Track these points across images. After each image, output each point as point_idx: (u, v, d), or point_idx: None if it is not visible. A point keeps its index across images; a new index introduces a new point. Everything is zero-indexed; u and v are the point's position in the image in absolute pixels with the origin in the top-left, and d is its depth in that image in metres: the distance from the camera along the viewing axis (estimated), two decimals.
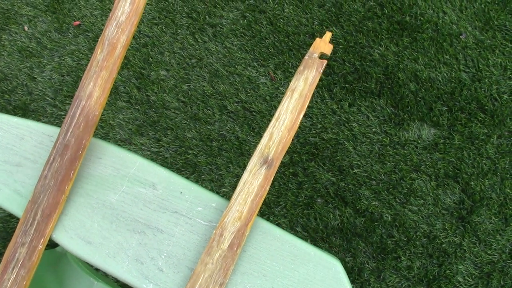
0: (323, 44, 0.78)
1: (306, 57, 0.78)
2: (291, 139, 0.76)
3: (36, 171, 0.82)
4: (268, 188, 0.75)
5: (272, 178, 0.75)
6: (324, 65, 0.77)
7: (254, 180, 0.75)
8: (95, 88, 0.77)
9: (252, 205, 0.74)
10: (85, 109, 0.77)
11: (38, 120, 1.73)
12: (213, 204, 0.79)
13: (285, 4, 1.78)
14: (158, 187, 0.80)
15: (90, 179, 0.82)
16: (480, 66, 1.68)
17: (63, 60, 1.78)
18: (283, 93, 1.69)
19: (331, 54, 1.71)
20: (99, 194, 0.80)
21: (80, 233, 0.79)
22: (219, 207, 0.79)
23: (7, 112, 1.73)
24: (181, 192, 0.80)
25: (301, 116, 0.76)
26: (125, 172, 0.81)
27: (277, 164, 0.75)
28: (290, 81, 1.67)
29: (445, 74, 1.68)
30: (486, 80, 1.67)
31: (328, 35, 0.79)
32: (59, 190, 0.78)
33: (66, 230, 0.79)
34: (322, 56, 0.79)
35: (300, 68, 0.78)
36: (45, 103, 1.74)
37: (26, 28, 1.82)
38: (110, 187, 0.81)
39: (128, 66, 1.76)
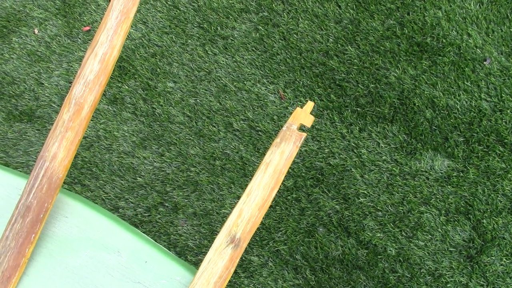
0: (303, 115, 0.72)
1: (284, 128, 0.72)
2: (261, 218, 0.71)
3: (0, 225, 0.80)
4: (233, 270, 0.70)
5: (238, 259, 0.70)
6: (303, 139, 0.71)
7: (219, 260, 0.70)
8: (59, 150, 0.73)
9: None
10: (49, 171, 0.74)
11: (44, 126, 1.71)
12: (177, 277, 0.75)
13: (300, 18, 1.70)
14: (122, 253, 0.76)
15: (54, 239, 0.78)
16: (503, 95, 1.58)
17: (71, 66, 1.76)
18: (291, 114, 1.63)
19: (343, 75, 1.63)
20: (62, 256, 0.77)
21: None
22: (184, 281, 0.74)
23: (14, 117, 1.73)
24: (146, 262, 0.76)
25: (274, 193, 0.71)
26: (90, 233, 0.78)
27: (244, 245, 0.71)
28: (300, 101, 1.61)
29: (464, 102, 1.59)
30: (508, 111, 1.57)
31: (309, 105, 0.72)
32: (19, 252, 0.75)
33: None
34: (301, 128, 0.73)
35: (277, 140, 0.72)
36: (51, 110, 1.72)
37: (36, 31, 1.79)
38: (74, 249, 0.77)
39: (136, 76, 1.72)
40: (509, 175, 1.53)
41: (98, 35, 0.73)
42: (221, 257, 0.70)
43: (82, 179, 1.66)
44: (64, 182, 1.62)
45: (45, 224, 0.78)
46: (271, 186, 0.71)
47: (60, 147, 0.73)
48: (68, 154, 0.74)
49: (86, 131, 1.68)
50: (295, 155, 0.71)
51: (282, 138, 0.72)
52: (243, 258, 1.55)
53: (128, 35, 1.76)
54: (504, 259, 1.49)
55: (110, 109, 1.70)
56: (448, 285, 1.49)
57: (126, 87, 1.72)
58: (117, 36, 0.72)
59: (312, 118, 0.72)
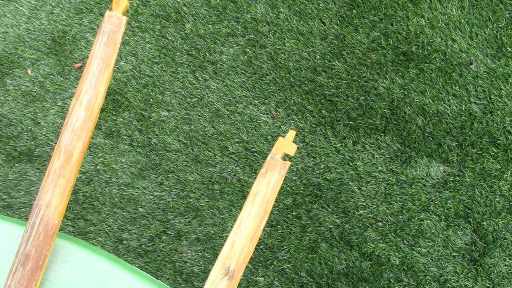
0: (286, 144, 0.74)
1: (268, 158, 0.74)
2: (253, 248, 0.72)
3: (2, 275, 0.81)
4: None
5: None
6: (287, 167, 0.73)
7: None
8: (53, 197, 0.76)
9: None
10: (44, 219, 0.76)
11: (43, 165, 1.74)
12: None
13: (286, 38, 1.73)
14: None
15: (55, 284, 0.80)
16: (492, 97, 1.60)
17: (66, 103, 1.79)
18: (285, 132, 1.65)
19: (333, 90, 1.66)
20: None
21: None
22: None
23: (13, 158, 1.75)
24: None
25: (264, 223, 0.73)
26: (89, 276, 0.80)
27: (239, 275, 0.72)
28: (292, 119, 1.63)
29: (454, 107, 1.60)
30: (498, 112, 1.59)
31: (291, 133, 0.74)
32: None
33: None
34: (286, 157, 0.75)
35: (263, 170, 0.74)
36: (49, 148, 1.75)
37: (29, 71, 1.83)
38: None
39: (130, 108, 1.75)
40: (505, 175, 1.54)
41: (82, 83, 0.76)
42: None
43: (84, 214, 1.68)
44: (67, 219, 1.64)
45: (45, 270, 0.80)
46: (261, 216, 0.73)
47: (53, 195, 0.76)
48: (62, 200, 0.76)
49: (84, 166, 1.71)
50: (281, 184, 0.73)
51: (267, 168, 0.74)
52: (249, 280, 1.57)
53: (119, 68, 1.79)
54: (508, 259, 1.50)
55: (107, 142, 1.73)
56: None
57: (121, 119, 1.74)
58: (100, 83, 0.75)
59: (295, 146, 0.74)
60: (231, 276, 0.72)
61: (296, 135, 1.65)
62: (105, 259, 0.81)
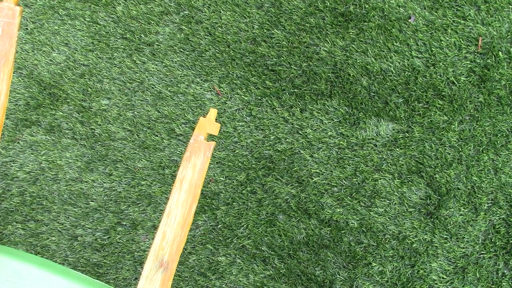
0: (208, 124, 0.71)
1: (191, 141, 0.71)
2: (185, 236, 0.69)
3: None
4: None
5: (170, 282, 0.69)
6: (212, 148, 0.70)
7: (152, 287, 0.69)
8: None
9: None
10: None
11: None
12: None
13: (221, 10, 1.67)
14: None
15: None
16: (433, 49, 1.59)
17: None
18: (231, 108, 1.61)
19: (275, 59, 1.62)
20: None
21: None
22: None
23: None
24: None
25: (194, 208, 0.70)
26: (21, 284, 0.75)
27: (174, 266, 0.69)
28: (236, 93, 1.59)
29: (397, 64, 1.59)
30: (441, 63, 1.58)
31: (212, 112, 0.71)
32: None
33: None
34: (209, 137, 0.72)
35: (187, 154, 0.71)
36: None
37: None
38: None
39: (68, 100, 1.68)
40: (453, 126, 1.55)
41: None
42: (153, 283, 0.69)
43: (34, 215, 1.62)
44: (16, 222, 1.58)
45: None
46: (189, 202, 0.70)
47: None
48: None
49: (28, 165, 1.64)
50: (207, 166, 0.69)
51: (191, 151, 0.70)
52: (211, 261, 1.55)
53: (52, 60, 1.71)
54: (462, 209, 1.51)
55: (49, 138, 1.66)
56: (414, 245, 1.51)
57: (60, 113, 1.67)
58: (0, 80, 0.69)
59: (217, 125, 0.71)
60: (165, 267, 0.69)
61: (242, 109, 1.61)
62: (35, 265, 0.76)
